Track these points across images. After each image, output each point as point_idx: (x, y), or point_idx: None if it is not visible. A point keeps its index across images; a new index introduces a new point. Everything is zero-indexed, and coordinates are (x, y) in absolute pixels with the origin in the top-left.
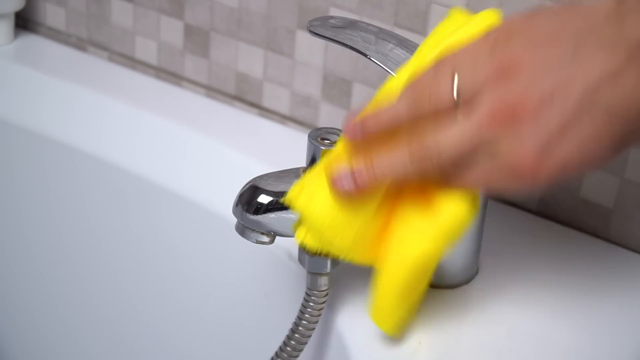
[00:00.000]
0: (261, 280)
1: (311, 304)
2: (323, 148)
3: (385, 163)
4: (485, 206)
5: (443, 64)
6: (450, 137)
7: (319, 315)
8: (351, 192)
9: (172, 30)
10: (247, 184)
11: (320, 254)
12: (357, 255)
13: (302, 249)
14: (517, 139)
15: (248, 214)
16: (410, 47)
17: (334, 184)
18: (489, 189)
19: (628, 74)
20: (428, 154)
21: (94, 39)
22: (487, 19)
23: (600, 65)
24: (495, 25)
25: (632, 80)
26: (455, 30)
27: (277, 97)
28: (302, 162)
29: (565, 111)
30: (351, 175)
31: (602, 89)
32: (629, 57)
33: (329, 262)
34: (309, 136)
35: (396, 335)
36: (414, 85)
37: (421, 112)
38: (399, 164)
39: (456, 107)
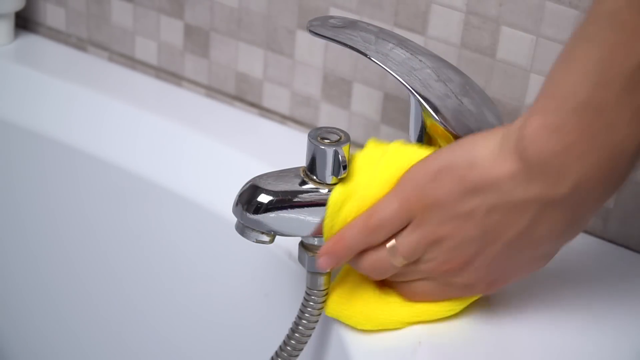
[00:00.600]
0: (261, 280)
1: (311, 303)
2: (322, 147)
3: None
4: None
5: (380, 238)
6: (405, 274)
7: (319, 314)
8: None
9: (172, 30)
10: (247, 184)
11: None
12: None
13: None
14: (466, 284)
15: (248, 214)
16: (410, 47)
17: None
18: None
19: (539, 225)
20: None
21: (94, 39)
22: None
23: (512, 225)
24: (403, 180)
25: (542, 231)
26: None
27: (277, 97)
28: (302, 162)
29: (493, 263)
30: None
31: (518, 243)
32: (538, 214)
33: None
34: (309, 136)
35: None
36: (366, 263)
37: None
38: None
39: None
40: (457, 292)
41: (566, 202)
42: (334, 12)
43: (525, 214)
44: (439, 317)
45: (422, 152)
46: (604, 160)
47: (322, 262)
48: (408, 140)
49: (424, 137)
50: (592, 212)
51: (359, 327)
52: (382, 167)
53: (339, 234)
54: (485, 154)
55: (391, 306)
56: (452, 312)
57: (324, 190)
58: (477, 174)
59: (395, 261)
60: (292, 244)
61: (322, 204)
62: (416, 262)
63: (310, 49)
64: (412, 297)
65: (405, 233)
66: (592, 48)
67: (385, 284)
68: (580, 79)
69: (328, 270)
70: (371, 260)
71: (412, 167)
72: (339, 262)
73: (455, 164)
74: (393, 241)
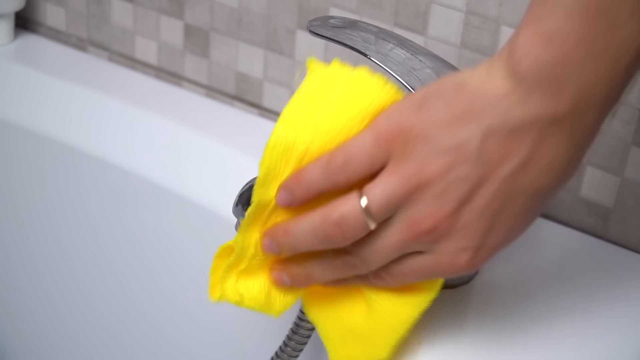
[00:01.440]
0: None
1: None
2: None
3: (317, 274)
4: None
5: (345, 178)
6: (374, 252)
7: None
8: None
9: (172, 30)
10: (247, 184)
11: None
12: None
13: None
14: (447, 247)
15: None
16: (410, 47)
17: (276, 282)
18: (429, 278)
19: (540, 152)
20: (357, 269)
21: (94, 39)
22: (367, 89)
23: (510, 154)
24: (382, 115)
25: (543, 160)
26: (332, 95)
27: (277, 97)
28: None
29: (486, 210)
30: (289, 278)
31: (517, 178)
32: (539, 138)
33: None
34: None
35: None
36: (324, 219)
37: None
38: (329, 275)
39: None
40: (434, 266)
41: (567, 120)
42: (334, 12)
43: (525, 139)
44: (407, 321)
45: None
46: (604, 68)
47: (279, 196)
48: None
49: None
50: (590, 139)
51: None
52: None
53: (299, 170)
54: (475, 74)
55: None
56: (419, 309)
57: None
58: (468, 95)
59: (368, 217)
60: None
61: None
62: (388, 229)
63: (310, 49)
64: (388, 284)
65: (380, 178)
66: None
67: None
68: None
69: (285, 206)
70: (339, 212)
71: (395, 102)
72: (295, 199)
73: (443, 88)
74: (364, 189)
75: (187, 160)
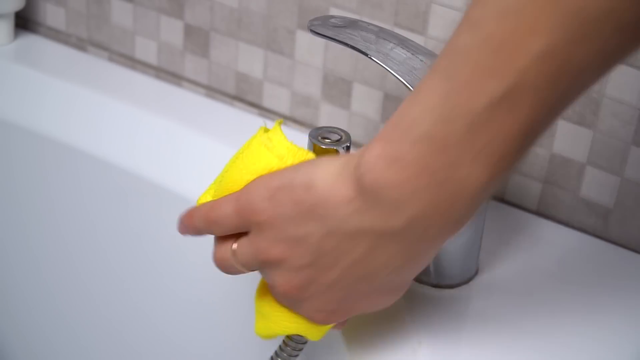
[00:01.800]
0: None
1: None
2: (324, 147)
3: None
4: (485, 206)
5: (218, 233)
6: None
7: None
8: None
9: (172, 30)
10: None
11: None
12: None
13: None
14: (303, 306)
15: None
16: (411, 47)
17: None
18: None
19: (374, 255)
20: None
21: (94, 39)
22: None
23: (347, 253)
24: (245, 189)
25: (378, 260)
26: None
27: (277, 97)
28: None
29: (331, 289)
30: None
31: (354, 271)
32: (373, 245)
33: None
34: (310, 135)
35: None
36: (215, 254)
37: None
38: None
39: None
40: (299, 313)
41: (401, 235)
42: (334, 12)
43: (360, 243)
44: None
45: (286, 160)
46: (443, 198)
47: (178, 226)
48: None
49: None
50: (432, 249)
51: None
52: (243, 156)
53: (191, 210)
54: (326, 176)
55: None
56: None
57: None
58: (314, 197)
59: (237, 265)
60: None
61: None
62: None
63: (310, 49)
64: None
65: (243, 241)
66: (441, 82)
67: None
68: (424, 111)
69: (183, 234)
70: (219, 254)
71: (260, 177)
72: (186, 233)
73: (294, 184)
74: (235, 245)
75: (187, 160)
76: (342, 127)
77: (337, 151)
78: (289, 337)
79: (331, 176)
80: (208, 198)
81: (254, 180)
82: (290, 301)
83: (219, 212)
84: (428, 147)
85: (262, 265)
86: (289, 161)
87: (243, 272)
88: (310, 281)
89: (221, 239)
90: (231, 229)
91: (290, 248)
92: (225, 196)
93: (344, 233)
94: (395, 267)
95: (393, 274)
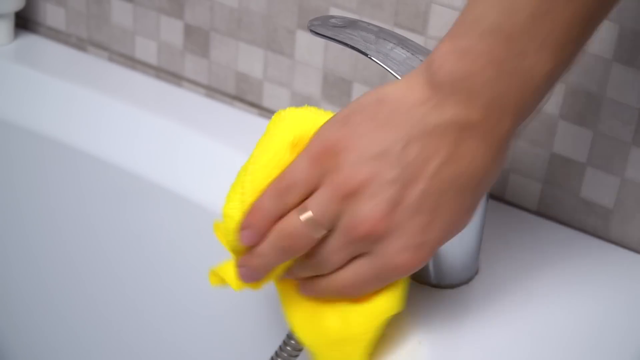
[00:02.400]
0: None
1: None
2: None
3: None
4: (485, 206)
5: (292, 200)
6: (326, 255)
7: None
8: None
9: (172, 30)
10: None
11: None
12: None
13: None
14: (386, 248)
15: None
16: (411, 47)
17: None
18: (382, 284)
19: (460, 152)
20: (317, 270)
21: (94, 39)
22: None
23: (432, 155)
24: (313, 137)
25: (464, 159)
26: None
27: (277, 97)
28: None
29: (419, 208)
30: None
31: (442, 175)
32: (457, 139)
33: None
34: None
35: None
36: (278, 236)
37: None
38: (296, 273)
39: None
40: (380, 271)
41: (480, 127)
42: (334, 12)
43: (444, 140)
44: (377, 320)
45: (325, 114)
46: (513, 87)
47: (243, 236)
48: None
49: None
50: (507, 142)
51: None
52: (278, 131)
53: (253, 204)
54: (394, 88)
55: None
56: (390, 311)
57: None
58: (388, 107)
59: (312, 231)
60: None
61: None
62: (334, 233)
63: (310, 49)
64: (345, 290)
65: (317, 192)
66: None
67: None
68: (488, 6)
69: (251, 245)
70: (286, 230)
71: (324, 122)
72: (259, 232)
73: (364, 104)
74: (304, 209)
75: (187, 160)
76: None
77: None
78: (289, 336)
79: (400, 85)
80: (236, 205)
81: (321, 125)
82: (372, 248)
83: (291, 172)
84: (495, 38)
85: (342, 204)
86: (313, 120)
87: (314, 240)
88: (396, 202)
89: (282, 217)
90: (308, 185)
91: (374, 166)
92: (295, 159)
93: (426, 133)
94: (479, 164)
95: (476, 175)
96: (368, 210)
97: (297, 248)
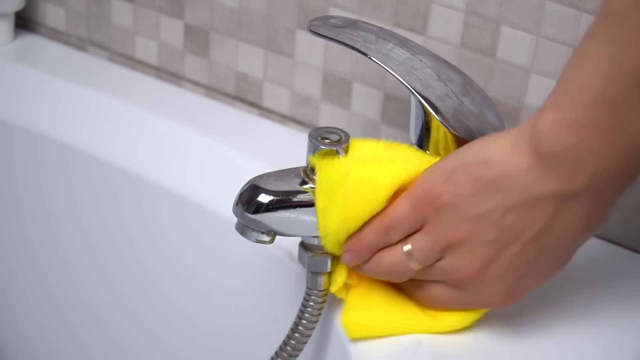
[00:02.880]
0: (261, 280)
1: (311, 303)
2: (323, 147)
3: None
4: None
5: (394, 238)
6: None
7: (319, 314)
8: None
9: (172, 30)
10: (247, 183)
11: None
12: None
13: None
14: (481, 291)
15: (248, 213)
16: (411, 47)
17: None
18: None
19: (559, 221)
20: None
21: (94, 39)
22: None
23: (531, 224)
24: (416, 183)
25: (562, 226)
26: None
27: (277, 97)
28: (302, 162)
29: (513, 266)
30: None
31: (538, 241)
32: (557, 210)
33: (329, 262)
34: (310, 136)
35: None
36: (380, 266)
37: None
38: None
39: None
40: (472, 302)
41: (584, 195)
42: (334, 12)
43: (544, 211)
44: (450, 329)
45: (430, 158)
46: (618, 154)
47: (346, 257)
48: (408, 141)
49: (424, 137)
50: (610, 206)
51: (373, 335)
52: (388, 166)
53: (358, 234)
54: (499, 150)
55: (407, 314)
56: (464, 324)
57: None
58: (492, 171)
59: (411, 264)
60: (292, 244)
61: None
62: (432, 265)
63: (310, 49)
64: (425, 301)
65: (418, 235)
66: (603, 45)
67: (400, 290)
68: (592, 75)
69: (352, 265)
70: (389, 262)
71: (427, 169)
72: (361, 258)
73: (469, 162)
74: (409, 245)
75: (187, 160)
76: (342, 127)
77: (337, 152)
78: (289, 336)
79: (506, 149)
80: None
81: (424, 171)
82: (467, 287)
83: (394, 214)
84: (599, 108)
85: (442, 253)
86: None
87: (413, 273)
88: (492, 259)
89: (386, 247)
90: (409, 227)
91: (473, 227)
92: (397, 200)
93: (527, 203)
94: (577, 230)
95: (574, 239)
96: (465, 263)
97: (395, 278)
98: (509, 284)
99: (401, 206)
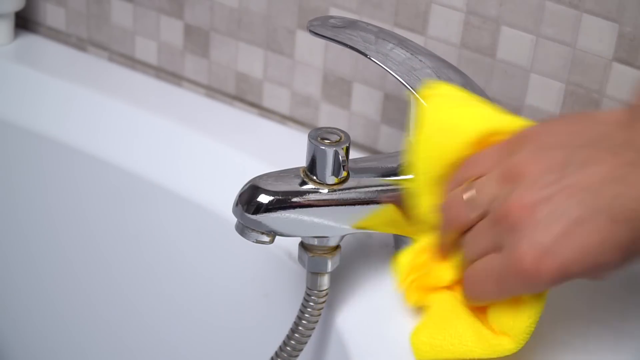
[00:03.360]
0: (261, 280)
1: (311, 303)
2: (323, 148)
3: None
4: None
5: (464, 177)
6: (471, 236)
7: (319, 315)
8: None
9: (172, 30)
10: (247, 184)
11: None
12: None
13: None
14: (517, 240)
15: (248, 214)
16: (410, 47)
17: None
18: (500, 291)
19: (632, 179)
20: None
21: (94, 39)
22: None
23: (603, 170)
24: (517, 131)
25: (636, 184)
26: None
27: (277, 97)
28: (302, 162)
29: (565, 215)
30: None
31: (604, 193)
32: (634, 162)
33: (329, 262)
34: (309, 136)
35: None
36: (444, 211)
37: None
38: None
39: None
40: (504, 266)
41: None
42: (334, 12)
43: (617, 158)
44: (509, 352)
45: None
46: None
47: (441, 228)
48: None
49: None
50: None
51: (440, 357)
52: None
53: (448, 196)
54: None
55: (476, 337)
56: (518, 345)
57: (324, 191)
58: (585, 118)
59: (469, 210)
60: (292, 244)
61: (322, 204)
62: (484, 218)
63: (310, 49)
64: (470, 286)
65: (486, 176)
66: None
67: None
68: None
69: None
70: (449, 199)
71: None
72: (451, 214)
73: (569, 115)
74: (473, 190)
75: (187, 160)
76: (342, 127)
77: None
78: (289, 336)
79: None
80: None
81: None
82: (511, 228)
83: (481, 153)
84: None
85: (502, 187)
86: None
87: (469, 219)
88: (547, 199)
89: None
90: (490, 164)
91: (545, 157)
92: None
93: (606, 146)
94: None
95: (638, 210)
96: (517, 196)
97: (455, 223)
98: (551, 235)
99: (488, 149)
